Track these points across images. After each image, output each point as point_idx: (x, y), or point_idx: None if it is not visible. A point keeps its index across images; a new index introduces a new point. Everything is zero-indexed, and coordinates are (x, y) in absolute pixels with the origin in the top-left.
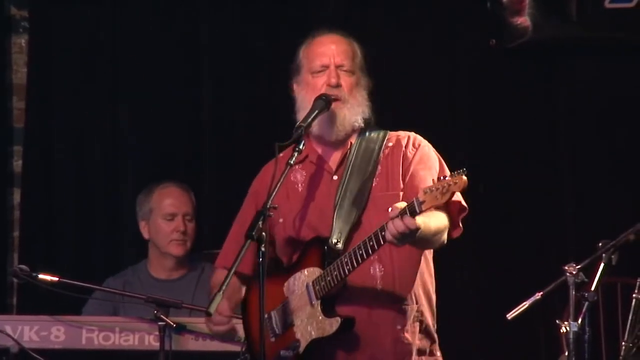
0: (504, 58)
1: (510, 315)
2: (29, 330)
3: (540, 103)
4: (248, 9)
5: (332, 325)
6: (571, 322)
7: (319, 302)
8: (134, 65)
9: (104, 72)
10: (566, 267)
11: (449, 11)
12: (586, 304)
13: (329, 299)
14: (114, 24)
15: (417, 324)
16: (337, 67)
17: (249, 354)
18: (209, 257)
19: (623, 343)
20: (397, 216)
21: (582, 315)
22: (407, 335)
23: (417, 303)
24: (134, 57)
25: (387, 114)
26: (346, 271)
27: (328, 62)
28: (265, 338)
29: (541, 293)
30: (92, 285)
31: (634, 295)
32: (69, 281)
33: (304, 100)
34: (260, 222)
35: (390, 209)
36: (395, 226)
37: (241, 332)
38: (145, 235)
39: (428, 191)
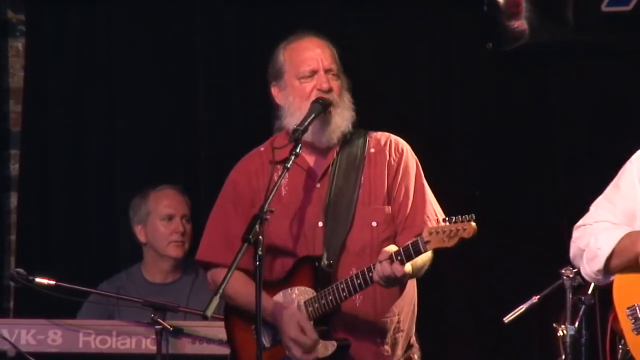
0: (501, 61)
1: (507, 319)
2: (26, 334)
3: (536, 106)
4: (242, 13)
5: (328, 348)
6: (568, 326)
7: (311, 323)
8: (129, 69)
9: (99, 76)
10: (563, 271)
11: (446, 14)
12: (583, 307)
13: (322, 321)
14: (110, 28)
15: (398, 334)
16: (326, 71)
17: None
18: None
19: (620, 347)
20: (387, 260)
21: (579, 319)
22: (386, 347)
23: (398, 314)
24: (130, 61)
25: (381, 117)
26: (342, 297)
27: (317, 67)
28: (253, 349)
29: (538, 296)
30: (88, 289)
31: None
32: (65, 285)
33: (292, 105)
34: (257, 226)
35: (380, 255)
36: (383, 270)
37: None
38: (142, 239)
39: (434, 232)
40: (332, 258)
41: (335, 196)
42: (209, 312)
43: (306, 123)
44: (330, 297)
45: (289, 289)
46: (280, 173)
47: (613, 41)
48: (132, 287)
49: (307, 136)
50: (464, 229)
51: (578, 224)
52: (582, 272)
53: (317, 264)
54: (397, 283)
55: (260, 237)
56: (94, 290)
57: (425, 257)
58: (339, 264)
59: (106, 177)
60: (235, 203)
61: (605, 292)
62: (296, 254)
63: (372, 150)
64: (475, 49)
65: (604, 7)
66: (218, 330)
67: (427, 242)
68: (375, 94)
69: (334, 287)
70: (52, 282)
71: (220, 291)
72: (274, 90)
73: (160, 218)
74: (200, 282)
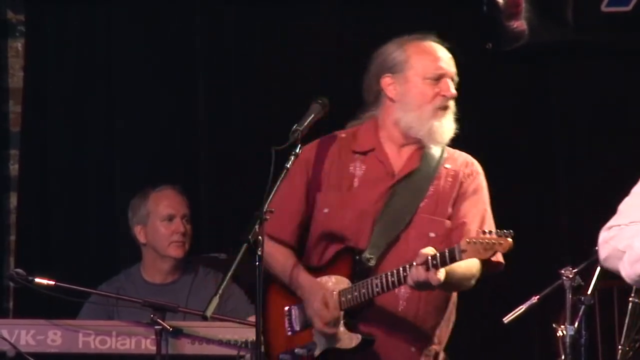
0: (501, 61)
1: (506, 319)
2: (26, 334)
3: (536, 106)
4: (242, 13)
5: (352, 340)
6: (567, 326)
7: (342, 313)
8: (129, 69)
9: (99, 76)
10: (563, 271)
11: (446, 14)
12: (582, 307)
13: (352, 313)
14: (110, 28)
15: (434, 347)
16: (451, 79)
17: (264, 344)
18: (206, 260)
19: (619, 347)
20: (422, 264)
21: (578, 319)
22: (422, 359)
23: (437, 327)
24: (130, 61)
25: None
26: (374, 293)
27: (446, 72)
28: (282, 332)
29: (537, 297)
30: (88, 289)
31: (630, 298)
32: (65, 285)
33: (411, 103)
34: (257, 226)
35: (418, 255)
36: (418, 275)
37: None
38: (142, 239)
39: (472, 242)
40: (373, 254)
41: (399, 197)
42: (209, 313)
43: (306, 123)
44: (363, 291)
45: (326, 277)
46: (355, 164)
47: (613, 41)
48: (131, 287)
49: (417, 133)
50: (500, 244)
51: (609, 224)
52: (623, 273)
53: (357, 257)
54: (429, 289)
55: (260, 237)
56: (93, 291)
57: (468, 270)
58: (382, 263)
59: (106, 177)
60: (302, 180)
61: (605, 292)
62: (346, 244)
63: (448, 166)
64: (475, 49)
65: (603, 7)
66: (218, 330)
67: (463, 251)
68: None
69: (369, 281)
70: (52, 283)
71: (220, 291)
72: (386, 82)
73: (160, 219)
74: (200, 282)
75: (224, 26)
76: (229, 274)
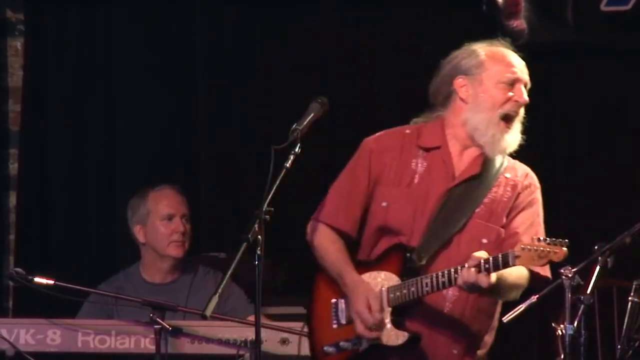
0: None
1: (506, 318)
2: (25, 334)
3: (535, 106)
4: (242, 13)
5: (398, 337)
6: (567, 325)
7: (390, 310)
8: (129, 69)
9: (99, 76)
10: (562, 270)
11: (445, 14)
12: (582, 307)
13: (400, 310)
14: (110, 28)
15: (476, 352)
16: (524, 85)
17: (308, 338)
18: (205, 260)
19: (619, 346)
20: (474, 267)
21: (578, 318)
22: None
23: (482, 331)
24: (130, 61)
25: (381, 117)
26: (424, 292)
27: (520, 78)
28: (328, 326)
29: (537, 296)
30: (87, 289)
31: (629, 298)
32: (64, 284)
33: (481, 105)
34: (256, 225)
35: (471, 257)
36: (469, 276)
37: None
38: (141, 239)
39: (526, 249)
40: (425, 254)
41: (456, 201)
42: (208, 312)
43: (305, 123)
44: (412, 289)
45: (376, 272)
46: (417, 160)
47: (613, 41)
48: (130, 287)
49: (480, 137)
50: (555, 253)
51: None
52: None
53: (408, 254)
54: (479, 291)
55: (259, 236)
56: (93, 290)
57: (517, 280)
58: (433, 263)
59: (106, 177)
60: (364, 172)
61: (604, 292)
62: (399, 239)
63: (508, 175)
64: None
65: (603, 7)
66: (217, 330)
67: (517, 257)
68: (375, 94)
69: (419, 279)
70: (51, 282)
71: (220, 291)
72: (459, 83)
73: (160, 218)
74: (199, 282)
75: (224, 26)
76: (229, 273)
